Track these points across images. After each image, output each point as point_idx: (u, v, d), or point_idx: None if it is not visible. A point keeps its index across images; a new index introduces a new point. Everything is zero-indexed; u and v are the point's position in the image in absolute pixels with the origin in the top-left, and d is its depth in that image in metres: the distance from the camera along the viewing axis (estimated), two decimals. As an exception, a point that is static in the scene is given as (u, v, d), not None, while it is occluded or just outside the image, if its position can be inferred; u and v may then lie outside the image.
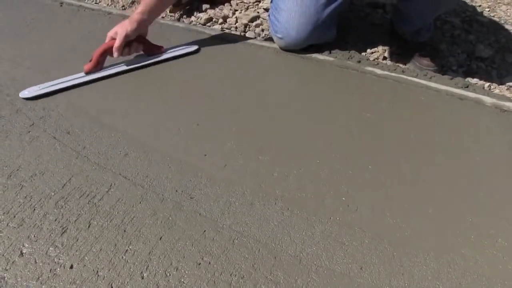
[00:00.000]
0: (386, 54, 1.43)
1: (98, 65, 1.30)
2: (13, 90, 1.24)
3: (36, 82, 1.25)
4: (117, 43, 1.28)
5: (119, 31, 1.29)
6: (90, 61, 1.30)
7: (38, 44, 1.52)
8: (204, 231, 0.81)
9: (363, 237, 0.80)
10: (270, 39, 1.56)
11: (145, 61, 1.38)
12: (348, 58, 1.36)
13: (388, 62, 1.39)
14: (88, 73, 1.29)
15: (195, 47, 1.44)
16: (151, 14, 1.35)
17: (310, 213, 0.84)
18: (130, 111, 1.15)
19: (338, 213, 0.84)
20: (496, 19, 1.63)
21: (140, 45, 1.37)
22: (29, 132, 1.07)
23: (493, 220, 0.83)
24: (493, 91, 1.24)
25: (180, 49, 1.43)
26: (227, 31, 1.62)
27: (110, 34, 1.31)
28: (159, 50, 1.41)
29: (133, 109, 1.16)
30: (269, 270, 0.74)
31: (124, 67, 1.35)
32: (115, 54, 1.30)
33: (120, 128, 1.08)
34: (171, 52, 1.41)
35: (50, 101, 1.19)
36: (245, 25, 1.63)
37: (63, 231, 0.82)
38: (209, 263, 0.75)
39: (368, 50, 1.45)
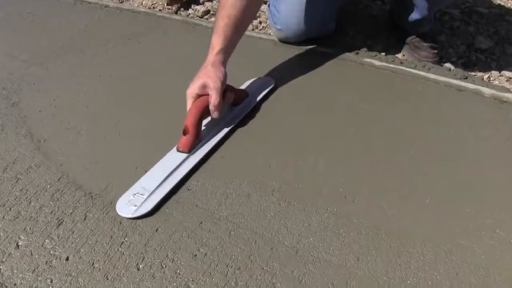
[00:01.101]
0: (384, 46, 1.42)
1: (198, 137, 0.97)
2: (9, 84, 1.23)
3: (33, 76, 1.25)
4: (216, 100, 0.97)
5: (211, 84, 0.97)
6: (184, 133, 0.94)
7: (35, 37, 1.51)
8: (201, 222, 0.81)
9: (360, 228, 0.79)
10: (267, 31, 1.55)
11: (240, 114, 1.09)
12: (347, 50, 1.35)
13: (387, 53, 1.38)
14: (187, 150, 0.95)
15: (271, 83, 1.20)
16: (232, 48, 1.09)
17: (307, 204, 0.84)
18: (124, 103, 1.14)
19: (335, 204, 0.84)
20: (496, 10, 1.62)
21: (232, 94, 1.06)
22: (24, 125, 1.07)
23: (491, 210, 0.82)
24: (492, 82, 1.24)
25: (259, 87, 1.19)
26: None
27: (194, 91, 0.98)
28: (245, 94, 1.15)
29: (128, 101, 1.15)
30: (266, 262, 0.73)
31: (224, 128, 1.03)
32: (216, 114, 0.99)
33: (114, 121, 1.08)
34: (255, 94, 1.16)
35: (46, 95, 1.19)
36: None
37: (59, 223, 0.81)
38: (205, 254, 0.75)
39: (367, 42, 1.44)
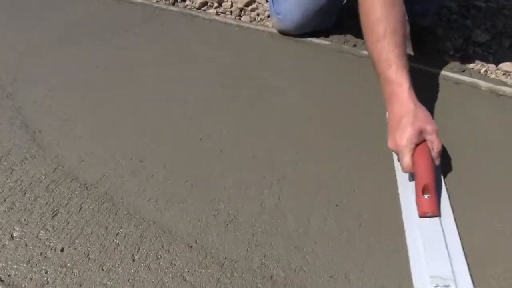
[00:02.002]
0: None
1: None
2: (4, 75, 1.22)
3: (29, 67, 1.24)
4: (440, 145, 0.82)
5: (429, 128, 0.82)
6: (424, 193, 0.77)
7: (30, 28, 1.50)
8: (198, 214, 0.81)
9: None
10: (265, 23, 1.54)
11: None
12: (344, 42, 1.35)
13: None
14: (438, 213, 0.77)
15: None
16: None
17: (310, 196, 0.84)
18: (121, 94, 1.13)
19: (335, 198, 0.84)
20: (493, 4, 1.62)
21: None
22: (19, 116, 1.06)
23: (489, 203, 0.82)
24: (489, 75, 1.23)
25: None
26: (222, 15, 1.60)
27: (412, 141, 0.80)
28: None
29: (125, 92, 1.14)
30: (263, 254, 0.73)
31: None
32: (439, 161, 0.84)
33: (112, 111, 1.07)
34: None
35: (42, 86, 1.18)
36: (240, 9, 1.61)
37: (54, 214, 0.81)
38: (202, 246, 0.75)
39: None
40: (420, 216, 0.76)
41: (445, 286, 0.65)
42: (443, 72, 1.19)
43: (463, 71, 1.21)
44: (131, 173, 0.89)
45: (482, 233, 0.76)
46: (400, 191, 0.84)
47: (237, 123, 1.03)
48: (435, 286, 0.65)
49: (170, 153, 0.95)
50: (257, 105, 1.09)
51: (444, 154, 0.90)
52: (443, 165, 0.88)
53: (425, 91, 1.10)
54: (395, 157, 0.90)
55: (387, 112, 0.90)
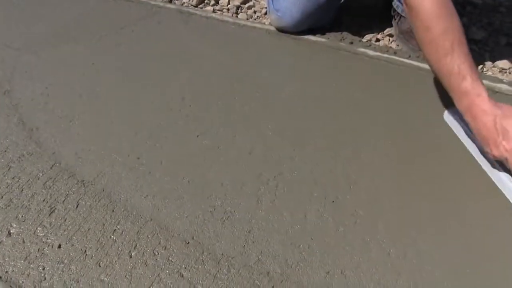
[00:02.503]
0: (378, 36, 1.41)
1: None
2: (1, 72, 1.22)
3: (26, 65, 1.24)
4: None
5: None
6: None
7: (28, 25, 1.50)
8: (194, 210, 0.81)
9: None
10: (262, 20, 1.54)
11: None
12: (341, 40, 1.35)
13: (381, 43, 1.37)
14: None
15: None
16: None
17: (306, 193, 0.84)
18: (118, 92, 1.13)
19: (331, 195, 0.84)
20: (489, 1, 1.62)
21: None
22: (16, 113, 1.06)
23: (489, 199, 0.82)
24: (485, 73, 1.24)
25: None
26: (219, 12, 1.60)
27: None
28: None
29: (121, 90, 1.14)
30: (260, 250, 0.74)
31: None
32: None
33: (110, 108, 1.07)
34: None
35: (39, 84, 1.18)
36: (237, 7, 1.61)
37: (51, 211, 0.81)
38: (199, 242, 0.75)
39: (361, 32, 1.44)
40: None
41: None
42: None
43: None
44: (128, 170, 0.90)
45: (477, 227, 0.77)
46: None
47: (233, 120, 1.03)
48: None
49: (167, 150, 0.95)
50: (253, 102, 1.09)
51: (441, 150, 0.91)
52: (439, 163, 0.89)
53: (421, 88, 1.11)
54: (488, 169, 0.88)
55: (469, 125, 0.87)
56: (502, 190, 0.83)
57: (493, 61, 1.29)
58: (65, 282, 0.69)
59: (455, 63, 0.86)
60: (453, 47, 0.87)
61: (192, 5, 1.66)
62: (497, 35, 1.42)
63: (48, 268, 0.71)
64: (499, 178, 0.85)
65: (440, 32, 0.88)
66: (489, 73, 1.24)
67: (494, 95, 1.11)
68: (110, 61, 1.28)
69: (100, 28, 1.47)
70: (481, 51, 1.35)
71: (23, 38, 1.41)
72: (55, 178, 0.88)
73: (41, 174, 0.89)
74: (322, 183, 0.86)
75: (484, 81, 1.11)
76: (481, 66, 1.26)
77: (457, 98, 0.88)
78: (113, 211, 0.81)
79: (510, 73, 1.23)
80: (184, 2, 1.69)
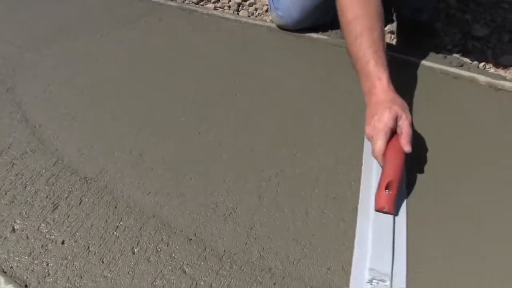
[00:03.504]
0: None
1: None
2: (4, 69, 1.22)
3: (28, 62, 1.24)
4: (411, 132, 0.82)
5: (404, 114, 0.82)
6: (387, 188, 0.76)
7: (29, 22, 1.50)
8: (197, 208, 0.81)
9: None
10: (263, 17, 1.54)
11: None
12: (342, 37, 1.35)
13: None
14: (395, 212, 0.77)
15: None
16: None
17: (307, 189, 0.84)
18: (119, 89, 1.14)
19: (332, 191, 0.84)
20: (492, -2, 1.62)
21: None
22: (20, 110, 1.07)
23: (489, 200, 0.82)
24: (488, 70, 1.24)
25: None
26: (220, 9, 1.60)
27: (388, 124, 0.81)
28: None
29: (123, 87, 1.15)
30: (262, 246, 0.74)
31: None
32: (409, 148, 0.80)
33: (110, 108, 1.08)
34: None
35: (41, 80, 1.18)
36: (238, 4, 1.61)
37: (54, 207, 0.82)
38: (201, 239, 0.75)
39: None
40: (376, 210, 0.77)
41: (380, 280, 0.67)
42: (441, 67, 1.19)
43: (462, 66, 1.21)
44: (130, 166, 0.90)
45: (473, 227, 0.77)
46: (362, 179, 0.84)
47: (235, 117, 1.03)
48: (371, 279, 0.67)
49: (169, 146, 0.95)
50: (255, 99, 1.09)
51: (441, 148, 0.91)
52: (439, 159, 0.89)
53: (423, 85, 1.11)
54: (366, 144, 0.90)
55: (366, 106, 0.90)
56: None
57: (496, 58, 1.29)
58: (68, 278, 0.70)
59: (362, 47, 0.91)
60: (362, 32, 0.92)
61: (193, 2, 1.66)
62: (500, 32, 1.42)
63: (52, 264, 0.72)
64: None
65: (352, 17, 0.95)
66: (492, 70, 1.24)
67: (497, 92, 1.11)
68: (112, 58, 1.28)
69: (102, 25, 1.47)
70: (483, 48, 1.36)
71: (25, 35, 1.41)
72: (58, 175, 0.89)
73: (44, 171, 0.90)
74: (323, 179, 0.86)
75: (487, 78, 1.12)
76: (483, 63, 1.26)
77: (362, 80, 0.92)
78: (115, 207, 0.81)
79: (512, 70, 1.23)
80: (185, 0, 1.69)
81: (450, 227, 0.76)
